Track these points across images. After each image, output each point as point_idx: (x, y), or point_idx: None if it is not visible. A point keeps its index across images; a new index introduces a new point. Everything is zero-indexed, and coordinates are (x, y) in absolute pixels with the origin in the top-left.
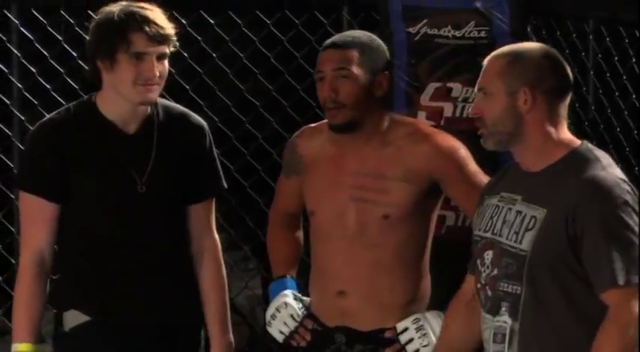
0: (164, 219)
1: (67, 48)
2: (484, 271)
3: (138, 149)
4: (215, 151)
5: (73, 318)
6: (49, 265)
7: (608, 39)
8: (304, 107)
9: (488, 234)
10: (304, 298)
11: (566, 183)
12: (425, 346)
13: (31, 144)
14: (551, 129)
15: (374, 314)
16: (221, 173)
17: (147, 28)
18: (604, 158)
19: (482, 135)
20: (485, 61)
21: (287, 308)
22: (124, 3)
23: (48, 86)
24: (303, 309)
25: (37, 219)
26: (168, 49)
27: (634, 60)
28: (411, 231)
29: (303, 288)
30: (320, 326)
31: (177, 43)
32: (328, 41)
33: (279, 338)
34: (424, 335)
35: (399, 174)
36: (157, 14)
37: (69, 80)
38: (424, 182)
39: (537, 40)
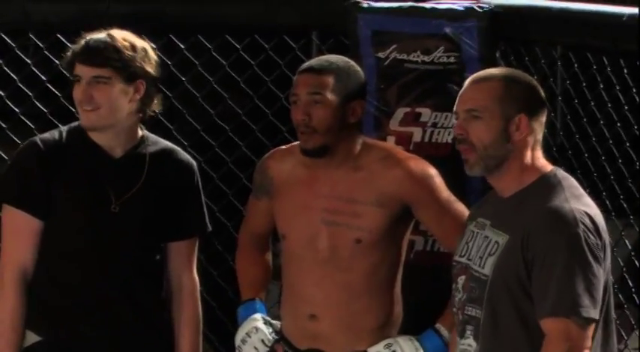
0: (137, 246)
1: (36, 71)
2: (457, 296)
3: (122, 173)
4: (201, 191)
5: (26, 339)
6: (30, 282)
7: (575, 65)
8: (274, 131)
9: (464, 259)
10: (274, 322)
11: (526, 209)
12: None
13: (19, 160)
14: (530, 155)
15: (345, 337)
16: (206, 214)
17: (81, 53)
18: (570, 187)
19: (466, 161)
20: (473, 81)
21: (257, 332)
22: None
23: (16, 110)
24: (273, 334)
25: (21, 234)
26: (107, 73)
27: (602, 86)
28: (383, 256)
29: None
30: (291, 349)
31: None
32: (305, 65)
33: None
34: None
35: (372, 198)
36: (106, 40)
37: (37, 104)
38: (396, 206)
39: (506, 65)
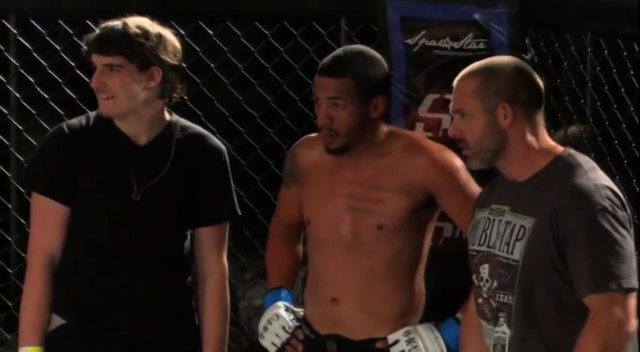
0: (158, 234)
1: (65, 57)
2: (484, 285)
3: (147, 161)
4: (230, 176)
5: (51, 322)
6: (56, 268)
7: (606, 51)
8: (302, 118)
9: (484, 248)
10: (296, 309)
11: (549, 190)
12: None
13: (46, 147)
14: (533, 139)
15: (366, 323)
16: (235, 199)
17: (94, 42)
18: (586, 163)
19: (466, 157)
20: (456, 82)
21: (279, 319)
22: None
23: (46, 96)
24: (294, 320)
25: (49, 222)
26: (118, 61)
27: (632, 72)
28: (405, 242)
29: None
30: (312, 334)
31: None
32: (324, 64)
33: (272, 349)
34: (415, 347)
35: (395, 185)
36: (118, 27)
37: (67, 90)
38: (419, 194)
39: (535, 52)
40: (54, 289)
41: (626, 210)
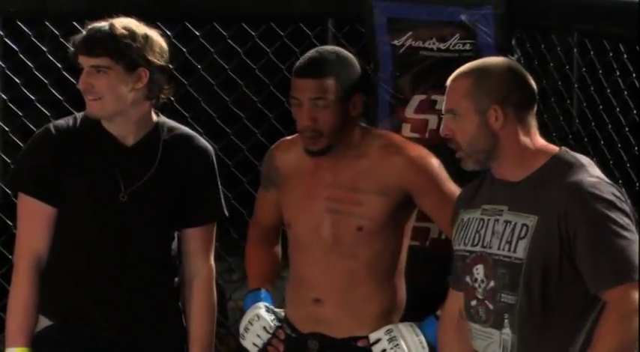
0: (145, 235)
1: (52, 59)
2: (479, 286)
3: (134, 161)
4: (218, 178)
5: (38, 323)
6: (43, 269)
7: (592, 52)
8: (289, 119)
9: (477, 248)
10: (277, 310)
11: (551, 188)
12: None
13: (32, 147)
14: (526, 140)
15: (349, 322)
16: (222, 200)
17: (81, 43)
18: (584, 160)
19: (460, 158)
20: (449, 82)
21: (259, 320)
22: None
23: (32, 97)
24: (275, 321)
25: (36, 223)
26: (105, 62)
27: (618, 73)
28: (385, 243)
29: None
30: (294, 332)
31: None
32: (302, 66)
33: (253, 350)
34: (396, 346)
35: (373, 187)
36: (105, 29)
37: (53, 91)
38: (397, 195)
39: (522, 53)
40: (41, 290)
41: (628, 205)
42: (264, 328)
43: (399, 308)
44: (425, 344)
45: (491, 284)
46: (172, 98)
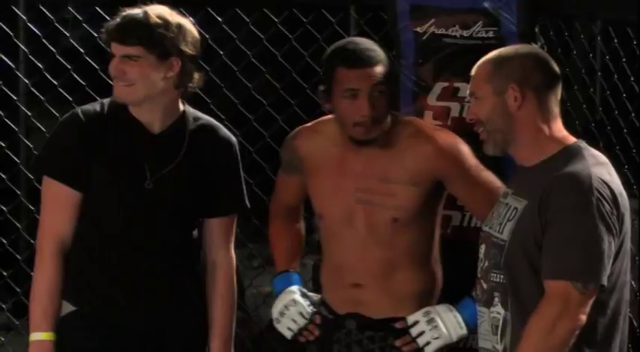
0: (169, 222)
1: (74, 44)
2: (479, 265)
3: (160, 149)
4: (241, 169)
5: (62, 309)
6: (67, 254)
7: (616, 40)
8: (311, 105)
9: (486, 229)
10: (310, 294)
11: (548, 175)
12: (436, 338)
13: (60, 132)
14: (543, 126)
15: (387, 304)
16: (244, 192)
17: (113, 31)
18: (594, 157)
19: (483, 141)
20: (474, 69)
21: (296, 305)
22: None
23: (55, 82)
24: (311, 306)
25: (61, 207)
26: (136, 51)
27: None
28: (420, 230)
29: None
30: (331, 314)
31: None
32: (353, 57)
33: (288, 334)
34: (435, 327)
35: (406, 177)
36: (139, 17)
37: (76, 76)
38: (429, 183)
39: (545, 41)
40: (65, 276)
41: (617, 206)
42: (301, 313)
43: (436, 292)
44: (463, 325)
45: (486, 264)
46: (197, 87)
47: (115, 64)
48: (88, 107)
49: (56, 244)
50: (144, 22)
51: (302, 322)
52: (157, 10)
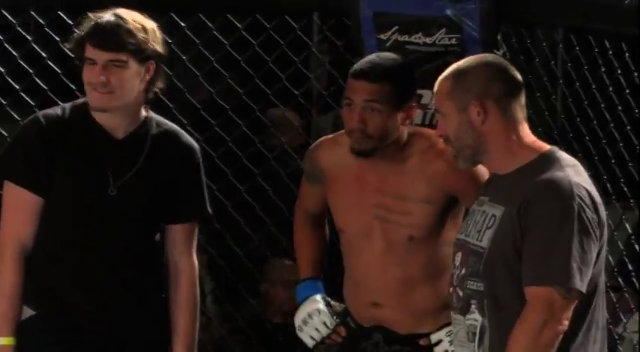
0: (132, 229)
1: (37, 48)
2: (454, 273)
3: (122, 155)
4: (203, 175)
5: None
6: (28, 259)
7: (577, 48)
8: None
9: (462, 236)
10: (334, 303)
11: (525, 182)
12: None
13: (21, 136)
14: (512, 134)
15: (409, 321)
16: (206, 198)
17: (95, 36)
18: (570, 164)
19: (454, 156)
20: (436, 85)
21: (320, 315)
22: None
23: (17, 86)
24: (334, 316)
25: (22, 211)
26: (123, 57)
27: (603, 69)
28: (437, 247)
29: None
30: (356, 325)
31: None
32: (359, 68)
33: (310, 343)
34: None
35: (420, 195)
36: (119, 22)
37: (38, 81)
38: (443, 199)
39: (507, 48)
40: (26, 281)
41: (597, 213)
42: (325, 323)
43: None
44: None
45: (463, 271)
46: (158, 90)
47: (97, 71)
48: (50, 111)
49: (17, 248)
50: (125, 27)
51: (325, 332)
52: (130, 15)
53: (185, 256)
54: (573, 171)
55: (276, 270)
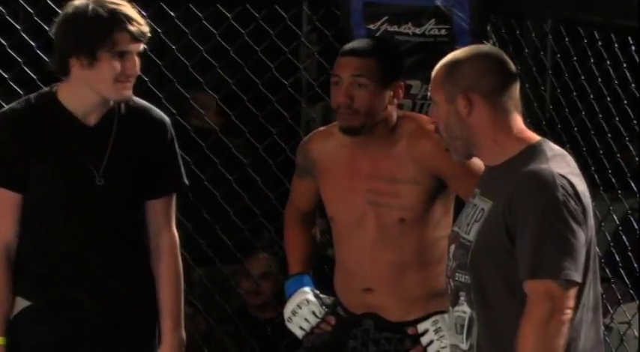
0: (122, 214)
1: (26, 37)
2: (448, 264)
3: (95, 141)
4: (177, 147)
5: (16, 305)
6: (14, 256)
7: (567, 39)
8: (263, 101)
9: (455, 229)
10: (323, 296)
11: (512, 175)
12: (443, 347)
13: None
14: (500, 126)
15: (399, 307)
16: (182, 170)
17: (130, 27)
18: (555, 154)
19: (446, 149)
20: (434, 71)
21: (309, 305)
22: None
23: (5, 75)
24: (323, 306)
25: (3, 210)
26: (141, 47)
27: (592, 60)
28: (429, 231)
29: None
30: (347, 314)
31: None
32: (348, 47)
33: (299, 333)
34: (442, 337)
35: (408, 176)
36: (133, 10)
37: (27, 70)
38: (430, 180)
39: (497, 39)
40: (16, 275)
41: (580, 202)
42: (313, 313)
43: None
44: None
45: (454, 263)
46: (147, 79)
47: (133, 62)
48: (16, 105)
49: (1, 248)
50: (140, 16)
51: (314, 321)
52: (124, 2)
53: (165, 229)
54: (560, 162)
55: (253, 267)
